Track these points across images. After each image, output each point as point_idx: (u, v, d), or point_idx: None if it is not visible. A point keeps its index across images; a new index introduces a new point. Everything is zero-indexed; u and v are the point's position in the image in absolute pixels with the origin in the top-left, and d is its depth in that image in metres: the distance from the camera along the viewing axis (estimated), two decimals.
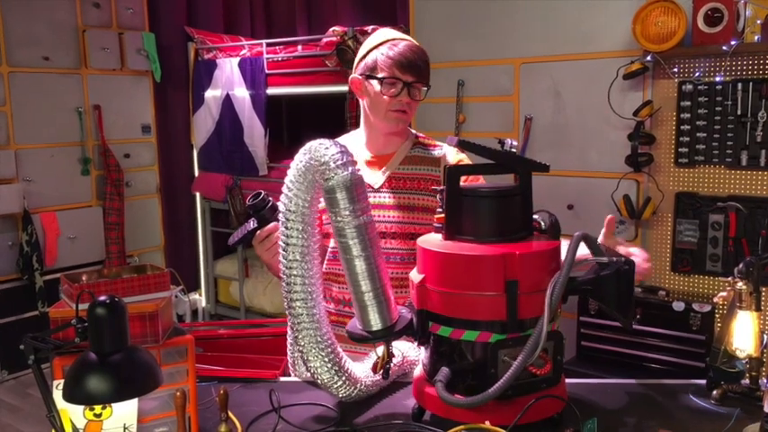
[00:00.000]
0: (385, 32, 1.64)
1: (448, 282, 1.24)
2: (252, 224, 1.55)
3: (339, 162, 1.26)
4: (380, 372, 1.36)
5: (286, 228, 1.33)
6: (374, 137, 1.68)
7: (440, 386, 1.21)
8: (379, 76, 1.58)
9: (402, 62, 1.55)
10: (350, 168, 1.26)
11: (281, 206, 1.35)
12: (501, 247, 1.23)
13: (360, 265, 1.26)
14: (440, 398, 1.21)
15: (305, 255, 1.32)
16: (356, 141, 1.70)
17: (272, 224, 1.51)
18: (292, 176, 1.33)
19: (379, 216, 1.60)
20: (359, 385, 1.38)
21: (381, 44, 1.59)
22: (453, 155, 1.68)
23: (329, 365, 1.32)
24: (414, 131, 1.73)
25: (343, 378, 1.34)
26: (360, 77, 1.62)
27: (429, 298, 1.27)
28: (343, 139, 1.64)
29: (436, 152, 1.68)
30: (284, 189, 1.35)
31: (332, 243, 1.62)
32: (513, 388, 1.18)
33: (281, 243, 1.34)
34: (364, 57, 1.62)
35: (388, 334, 1.29)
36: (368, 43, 1.63)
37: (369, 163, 1.67)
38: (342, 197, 1.25)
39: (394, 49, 1.57)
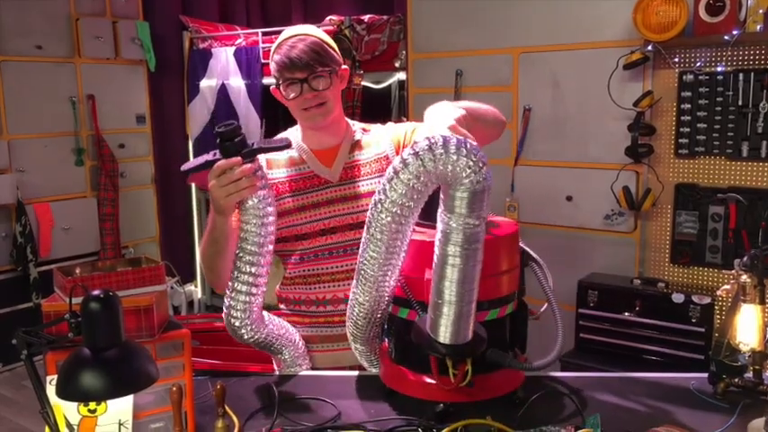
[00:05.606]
0: (280, 36, 1.57)
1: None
2: (213, 154, 1.35)
3: (476, 166, 1.08)
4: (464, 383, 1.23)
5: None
6: (310, 134, 1.62)
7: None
8: (279, 82, 1.55)
9: (286, 63, 1.50)
10: (485, 172, 1.10)
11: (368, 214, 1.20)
12: None
13: (452, 274, 1.12)
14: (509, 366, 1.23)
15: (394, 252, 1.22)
16: (297, 139, 1.63)
17: (236, 158, 1.31)
18: (390, 181, 1.14)
19: (345, 208, 1.57)
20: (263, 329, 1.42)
21: (274, 52, 1.55)
22: (399, 128, 1.62)
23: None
24: (351, 121, 1.66)
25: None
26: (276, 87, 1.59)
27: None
28: (288, 134, 1.61)
29: (383, 131, 1.64)
30: (375, 196, 1.18)
31: (304, 245, 1.57)
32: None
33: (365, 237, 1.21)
34: None
35: (460, 352, 1.17)
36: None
37: (317, 158, 1.61)
38: (464, 202, 1.09)
39: (279, 52, 1.52)
